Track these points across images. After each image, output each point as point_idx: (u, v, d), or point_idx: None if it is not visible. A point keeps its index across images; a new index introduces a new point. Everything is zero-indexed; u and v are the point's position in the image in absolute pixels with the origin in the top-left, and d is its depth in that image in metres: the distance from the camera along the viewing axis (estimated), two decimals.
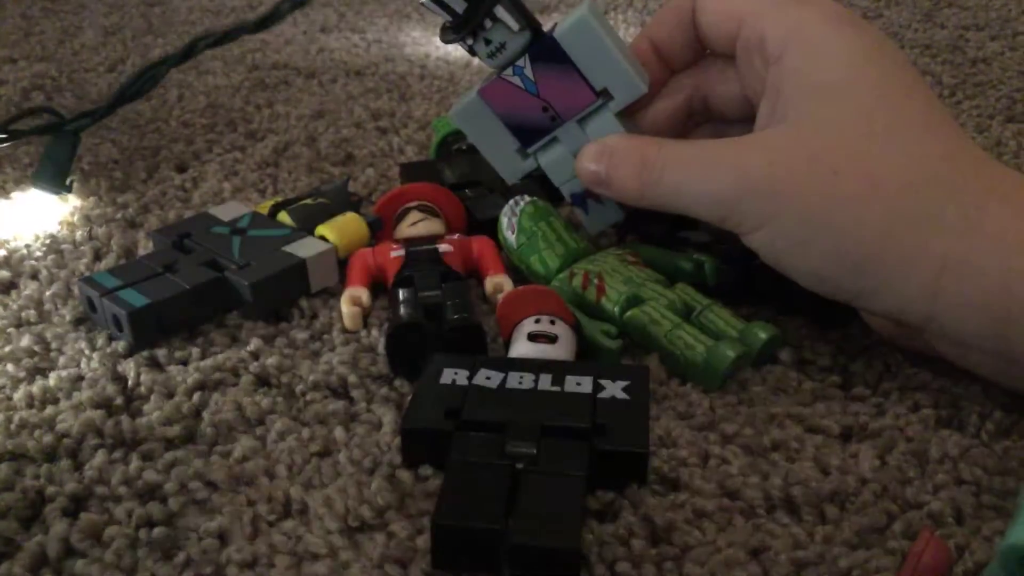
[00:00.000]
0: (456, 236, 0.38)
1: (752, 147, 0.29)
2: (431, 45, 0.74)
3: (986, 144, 0.49)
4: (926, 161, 0.27)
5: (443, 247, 0.36)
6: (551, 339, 0.30)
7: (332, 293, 0.36)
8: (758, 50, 0.31)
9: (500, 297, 0.35)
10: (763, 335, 0.31)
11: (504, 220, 0.37)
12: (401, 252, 0.36)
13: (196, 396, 0.31)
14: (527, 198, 0.37)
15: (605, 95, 0.32)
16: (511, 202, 0.37)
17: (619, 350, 0.31)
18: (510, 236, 0.36)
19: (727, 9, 0.32)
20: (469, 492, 0.24)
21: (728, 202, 0.29)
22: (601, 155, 0.32)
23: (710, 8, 0.33)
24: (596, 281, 0.33)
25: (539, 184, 0.39)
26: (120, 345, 0.33)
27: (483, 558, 0.23)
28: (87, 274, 0.38)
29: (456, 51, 0.72)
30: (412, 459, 0.27)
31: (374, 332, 0.34)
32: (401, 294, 0.33)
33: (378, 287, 0.36)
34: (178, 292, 0.34)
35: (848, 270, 0.27)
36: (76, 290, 0.36)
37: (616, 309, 0.33)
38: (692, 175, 0.30)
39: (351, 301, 0.35)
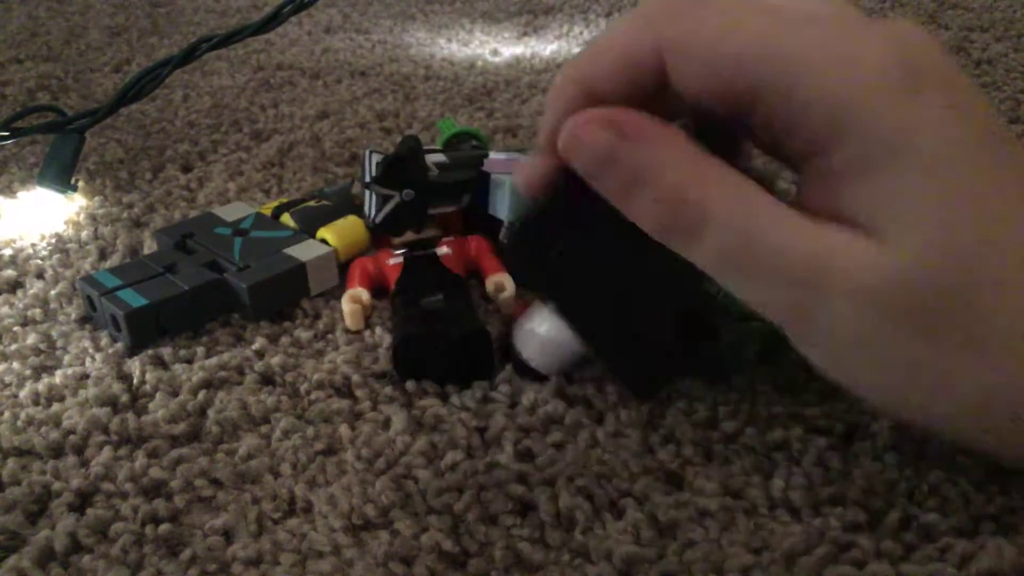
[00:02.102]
0: (452, 238, 0.38)
1: (827, 262, 0.21)
2: (435, 46, 0.74)
3: None
4: None
5: (441, 250, 0.36)
6: None
7: (336, 295, 0.37)
8: (788, 130, 0.22)
9: (503, 297, 0.35)
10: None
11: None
12: (400, 258, 0.36)
13: (201, 394, 0.31)
14: (515, 223, 0.37)
15: None
16: (506, 224, 0.37)
17: None
18: None
19: (728, 78, 0.22)
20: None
21: (795, 314, 0.23)
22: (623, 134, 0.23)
23: (692, 75, 0.22)
24: None
25: None
26: (123, 344, 0.34)
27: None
28: (90, 273, 0.38)
29: (460, 52, 0.72)
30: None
31: (377, 331, 0.34)
32: (403, 302, 0.33)
33: (379, 292, 0.36)
34: (177, 293, 0.34)
35: (898, 385, 0.23)
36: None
37: None
38: (752, 261, 0.22)
39: (352, 300, 0.35)
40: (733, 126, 0.23)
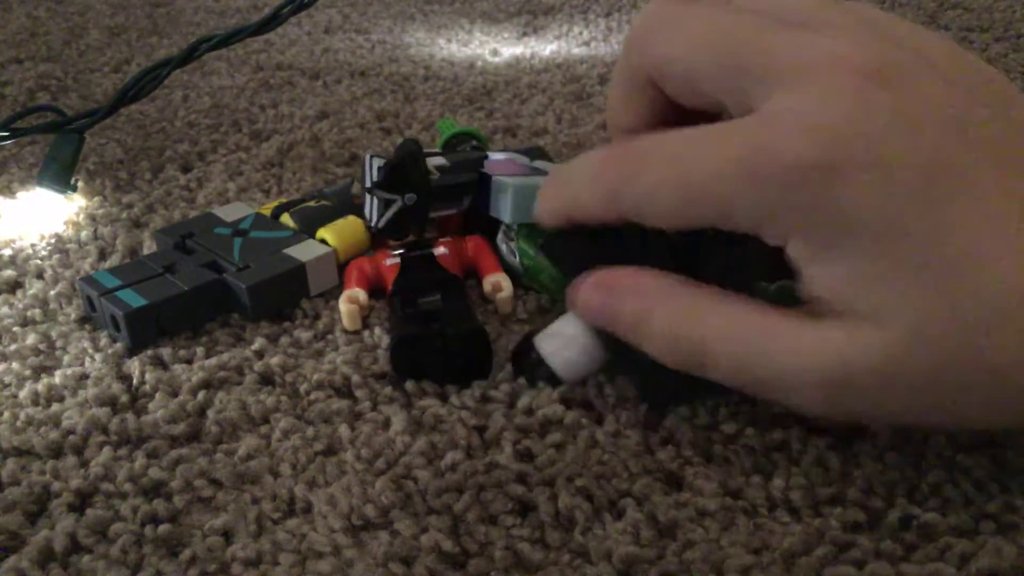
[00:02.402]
0: (450, 238, 0.38)
1: (841, 359, 0.22)
2: (435, 46, 0.74)
3: None
4: None
5: (438, 250, 0.36)
6: None
7: (335, 295, 0.37)
8: None
9: (500, 297, 0.35)
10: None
11: (503, 248, 0.37)
12: (397, 259, 0.36)
13: (201, 394, 0.31)
14: (512, 228, 0.37)
15: None
16: (503, 228, 0.37)
17: None
18: (514, 261, 0.36)
19: (706, 99, 0.25)
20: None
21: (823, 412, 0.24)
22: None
23: (683, 95, 0.25)
24: None
25: None
26: (123, 344, 0.34)
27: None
28: (89, 273, 0.38)
29: (460, 52, 0.72)
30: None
31: (376, 332, 0.34)
32: (401, 303, 0.33)
33: (377, 293, 0.36)
34: (177, 293, 0.34)
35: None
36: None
37: None
38: (763, 377, 0.24)
39: (349, 300, 0.35)
40: None
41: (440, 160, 0.37)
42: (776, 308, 0.24)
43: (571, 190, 0.26)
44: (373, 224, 0.35)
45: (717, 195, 0.22)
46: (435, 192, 0.35)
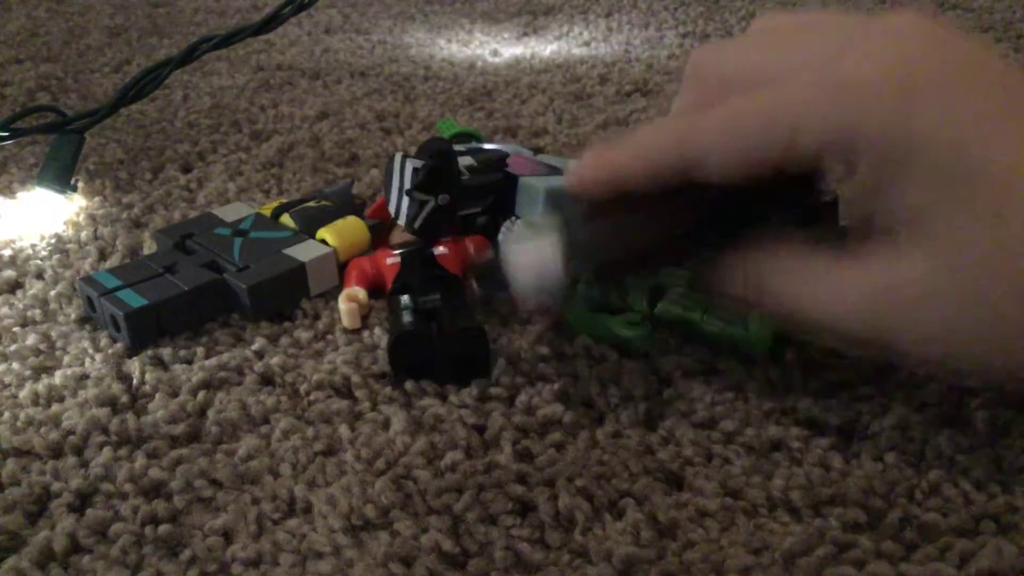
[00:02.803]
0: (450, 238, 0.38)
1: (884, 281, 0.24)
2: (435, 46, 0.74)
3: None
4: None
5: (439, 250, 0.36)
6: None
7: (335, 295, 0.37)
8: (818, 169, 0.25)
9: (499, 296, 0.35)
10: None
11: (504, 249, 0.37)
12: (397, 258, 0.36)
13: (201, 395, 0.31)
14: (518, 220, 0.37)
15: None
16: (504, 228, 0.37)
17: (647, 335, 0.32)
18: None
19: (759, 157, 0.25)
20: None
21: (868, 342, 0.25)
22: None
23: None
24: None
25: None
26: (123, 344, 0.34)
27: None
28: (89, 273, 0.38)
29: (460, 53, 0.72)
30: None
31: (376, 331, 0.34)
32: (401, 301, 0.33)
33: (377, 293, 0.36)
34: (177, 293, 0.34)
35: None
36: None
37: (645, 303, 0.33)
38: (809, 301, 0.25)
39: (348, 299, 0.35)
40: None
41: (468, 160, 0.37)
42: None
43: (623, 151, 0.27)
44: (408, 225, 0.36)
45: (793, 117, 0.23)
46: (465, 192, 0.36)
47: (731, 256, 0.27)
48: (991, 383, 0.27)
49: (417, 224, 0.35)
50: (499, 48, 0.73)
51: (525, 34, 0.77)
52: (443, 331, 0.31)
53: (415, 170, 0.34)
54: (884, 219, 0.24)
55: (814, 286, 0.25)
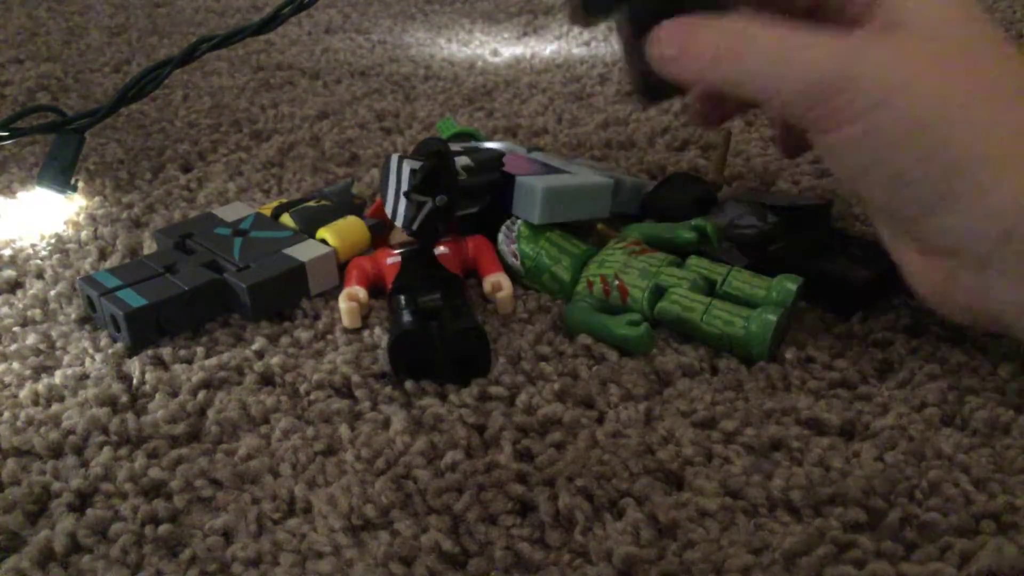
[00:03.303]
0: (450, 237, 0.38)
1: (862, 40, 0.27)
2: (435, 46, 0.74)
3: None
4: None
5: (439, 250, 0.36)
6: None
7: (335, 295, 0.37)
8: None
9: (500, 296, 0.35)
10: (791, 285, 0.32)
11: (504, 249, 0.37)
12: (397, 258, 0.36)
13: (201, 394, 0.31)
14: (518, 221, 0.37)
15: None
16: (503, 229, 0.37)
17: (647, 335, 0.32)
18: (515, 263, 0.36)
19: None
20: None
21: (826, 89, 0.27)
22: (676, 32, 0.29)
23: None
24: (616, 283, 0.34)
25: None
26: (123, 344, 0.34)
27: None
28: (89, 273, 0.38)
29: (460, 52, 0.72)
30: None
31: (376, 331, 0.34)
32: (401, 300, 0.33)
33: (378, 293, 0.36)
34: (177, 293, 0.34)
35: (939, 172, 0.26)
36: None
37: (645, 304, 0.33)
38: (786, 53, 0.27)
39: (349, 298, 0.35)
40: None
41: (465, 160, 0.37)
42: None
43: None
44: (406, 226, 0.36)
45: None
46: (463, 192, 0.36)
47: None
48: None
49: (415, 225, 0.35)
50: (499, 48, 0.73)
51: (525, 34, 0.77)
52: (444, 330, 0.31)
53: (412, 171, 0.34)
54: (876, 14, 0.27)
55: (799, 36, 0.27)
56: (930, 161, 0.26)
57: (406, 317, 0.32)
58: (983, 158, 0.25)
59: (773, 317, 0.31)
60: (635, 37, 0.31)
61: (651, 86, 0.32)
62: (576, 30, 0.77)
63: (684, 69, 0.29)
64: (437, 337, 0.31)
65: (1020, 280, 0.26)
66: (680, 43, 0.29)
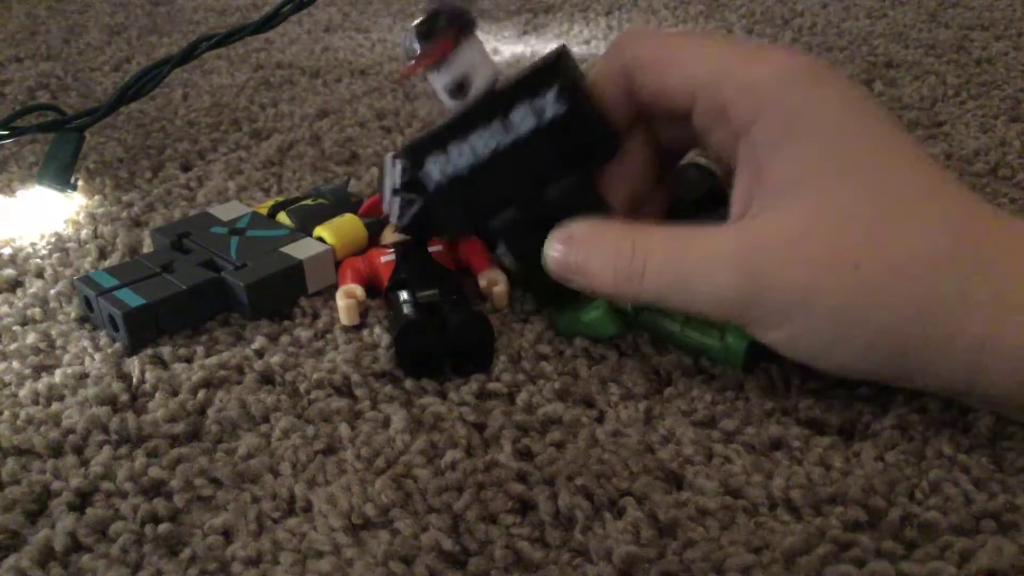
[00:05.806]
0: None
1: (757, 239, 0.26)
2: None
3: (990, 144, 0.49)
4: (944, 235, 0.25)
5: (433, 248, 0.37)
6: None
7: (333, 293, 0.36)
8: (720, 120, 0.28)
9: (496, 291, 0.35)
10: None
11: (498, 250, 0.37)
12: (391, 256, 0.36)
13: (201, 393, 0.31)
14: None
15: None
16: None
17: (605, 316, 0.32)
18: (507, 262, 0.36)
19: (675, 84, 0.29)
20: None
21: (740, 303, 0.26)
22: (570, 241, 0.30)
23: (651, 84, 0.30)
24: None
25: None
26: (122, 344, 0.34)
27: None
28: (87, 273, 0.38)
29: None
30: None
31: (376, 330, 0.34)
32: (401, 296, 0.33)
33: (373, 293, 0.36)
34: (174, 292, 0.34)
35: (885, 359, 0.26)
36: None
37: (630, 307, 0.33)
38: (688, 272, 0.27)
39: (346, 295, 0.35)
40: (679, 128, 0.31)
41: None
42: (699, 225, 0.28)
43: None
44: (397, 223, 0.36)
45: (719, 72, 0.28)
46: None
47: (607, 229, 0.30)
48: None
49: (404, 222, 0.35)
50: (499, 46, 0.72)
51: (525, 33, 0.77)
52: (446, 322, 0.31)
53: (403, 169, 0.35)
54: (767, 184, 0.27)
55: (695, 250, 0.27)
56: (873, 354, 0.26)
57: (408, 309, 0.32)
58: (923, 344, 0.25)
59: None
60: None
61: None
62: (576, 28, 0.77)
63: (590, 286, 0.30)
64: (442, 326, 0.31)
65: (996, 407, 0.27)
66: (579, 264, 0.29)
